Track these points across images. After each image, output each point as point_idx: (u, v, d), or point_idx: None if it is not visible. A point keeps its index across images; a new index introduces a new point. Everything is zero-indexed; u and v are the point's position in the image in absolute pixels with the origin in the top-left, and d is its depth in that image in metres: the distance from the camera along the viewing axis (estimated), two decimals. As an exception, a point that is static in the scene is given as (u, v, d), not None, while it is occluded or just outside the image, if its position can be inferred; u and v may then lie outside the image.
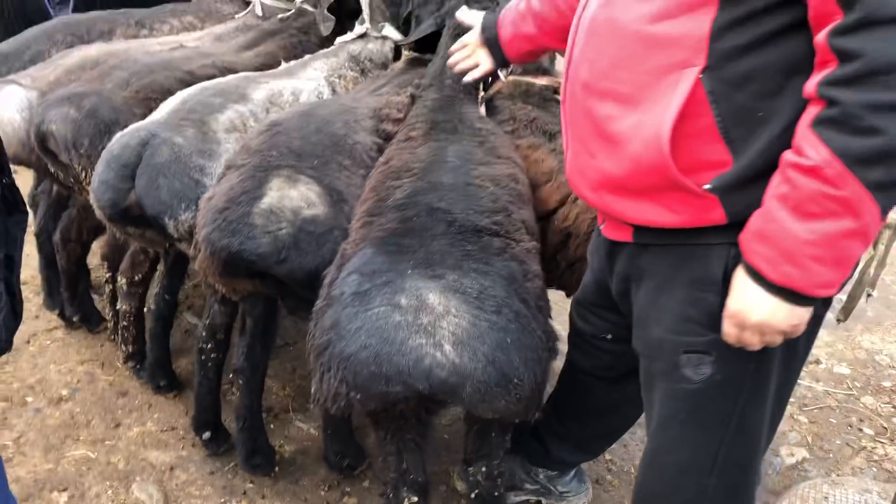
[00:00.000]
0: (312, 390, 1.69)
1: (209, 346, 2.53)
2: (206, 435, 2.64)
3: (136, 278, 2.86)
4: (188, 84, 2.67)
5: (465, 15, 2.32)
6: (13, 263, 1.55)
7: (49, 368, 3.11)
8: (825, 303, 1.52)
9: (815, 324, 1.55)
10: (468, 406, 1.64)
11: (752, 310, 1.37)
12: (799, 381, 3.17)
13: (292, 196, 2.07)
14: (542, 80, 2.56)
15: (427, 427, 1.88)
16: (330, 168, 2.21)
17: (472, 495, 1.97)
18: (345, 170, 2.25)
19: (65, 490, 2.51)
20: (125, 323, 2.96)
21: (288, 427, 2.85)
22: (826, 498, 2.37)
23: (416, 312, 1.58)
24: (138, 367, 3.02)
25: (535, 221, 2.10)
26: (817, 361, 3.39)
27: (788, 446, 2.85)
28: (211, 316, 2.52)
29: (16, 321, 1.57)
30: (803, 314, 1.36)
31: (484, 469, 1.93)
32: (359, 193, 2.19)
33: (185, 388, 2.98)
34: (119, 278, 2.89)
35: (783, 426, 2.93)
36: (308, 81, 2.78)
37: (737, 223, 1.41)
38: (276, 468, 2.60)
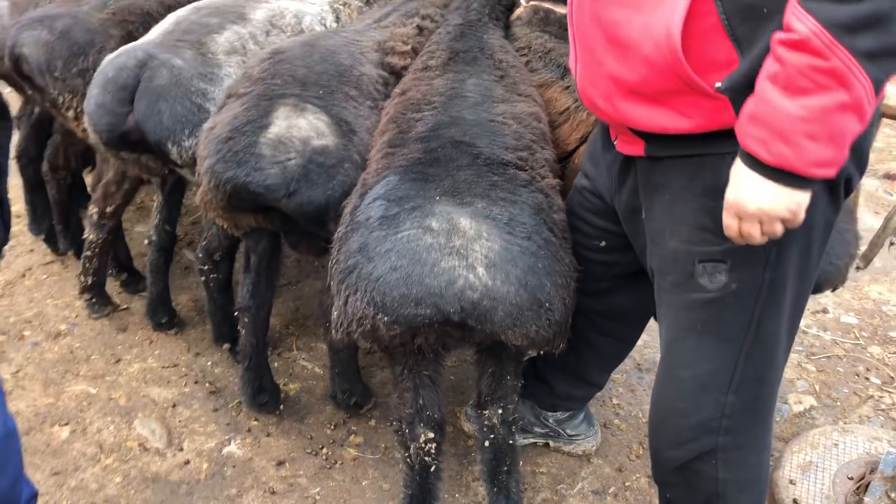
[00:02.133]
0: (333, 316, 1.66)
1: (207, 266, 2.55)
2: (226, 346, 2.74)
3: (108, 210, 2.75)
4: (170, 9, 2.54)
5: None
6: (1, 172, 1.49)
7: (46, 303, 3.04)
8: (835, 207, 1.51)
9: (827, 230, 1.54)
10: (500, 331, 1.60)
11: (749, 198, 1.34)
12: (806, 329, 3.19)
13: (301, 125, 1.97)
14: (563, 9, 2.43)
15: (442, 364, 1.85)
16: (336, 98, 2.11)
17: (486, 443, 1.94)
18: (351, 100, 2.16)
19: (66, 424, 2.47)
20: (89, 253, 2.84)
21: (292, 366, 2.81)
22: (836, 445, 2.36)
23: (448, 235, 1.56)
24: (94, 300, 2.94)
25: (557, 161, 2.05)
26: (825, 311, 3.36)
27: (796, 394, 2.84)
28: (208, 239, 2.50)
29: (5, 232, 1.51)
30: (801, 198, 1.33)
31: (500, 412, 1.89)
32: (367, 125, 2.11)
33: (186, 326, 2.93)
34: (90, 208, 2.79)
35: (791, 374, 2.91)
36: (311, 5, 2.65)
37: None
38: (281, 406, 2.57)
